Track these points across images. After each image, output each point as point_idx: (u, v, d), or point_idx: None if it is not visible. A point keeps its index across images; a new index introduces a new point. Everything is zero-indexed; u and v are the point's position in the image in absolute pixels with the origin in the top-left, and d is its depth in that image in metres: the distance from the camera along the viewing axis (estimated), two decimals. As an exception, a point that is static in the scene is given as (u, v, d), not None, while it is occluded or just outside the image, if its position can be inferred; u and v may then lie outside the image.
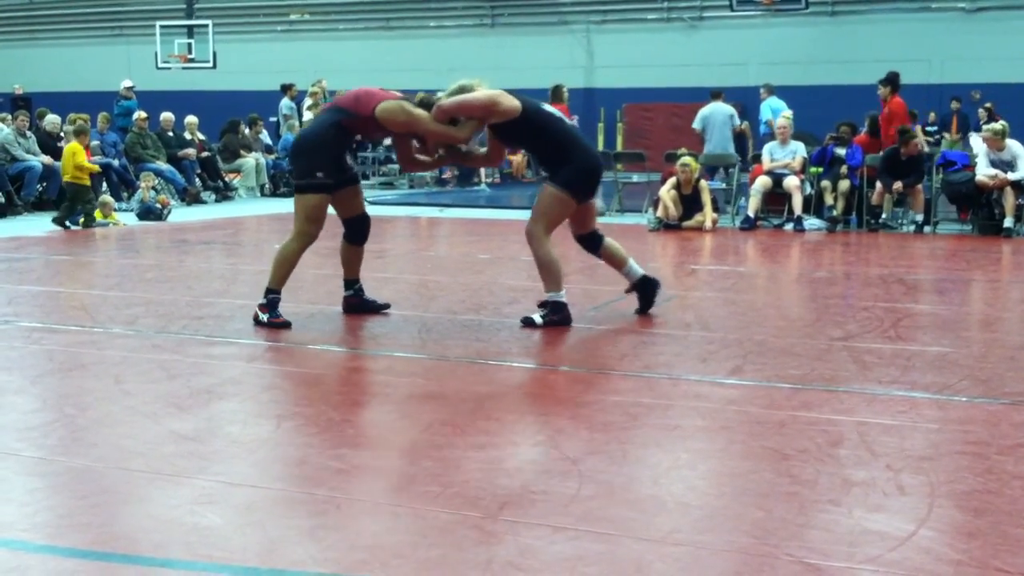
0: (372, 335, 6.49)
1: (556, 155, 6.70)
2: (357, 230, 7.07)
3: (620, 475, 3.90)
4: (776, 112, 16.17)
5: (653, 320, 6.93)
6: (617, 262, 7.11)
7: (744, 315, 7.15)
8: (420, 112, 6.57)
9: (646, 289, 7.08)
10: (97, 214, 13.59)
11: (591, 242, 7.08)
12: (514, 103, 6.59)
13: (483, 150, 7.15)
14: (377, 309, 7.09)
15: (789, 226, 13.29)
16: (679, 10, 25.44)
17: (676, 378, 5.41)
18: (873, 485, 3.74)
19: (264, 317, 6.59)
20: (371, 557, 3.14)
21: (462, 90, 6.65)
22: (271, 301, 6.63)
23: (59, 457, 4.09)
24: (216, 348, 6.05)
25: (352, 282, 7.14)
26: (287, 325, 6.56)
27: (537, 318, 6.66)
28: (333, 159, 6.70)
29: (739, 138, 17.21)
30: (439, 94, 6.71)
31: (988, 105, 20.59)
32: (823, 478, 3.82)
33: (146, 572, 3.05)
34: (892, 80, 14.15)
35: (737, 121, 16.59)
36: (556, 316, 6.65)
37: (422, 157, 7.13)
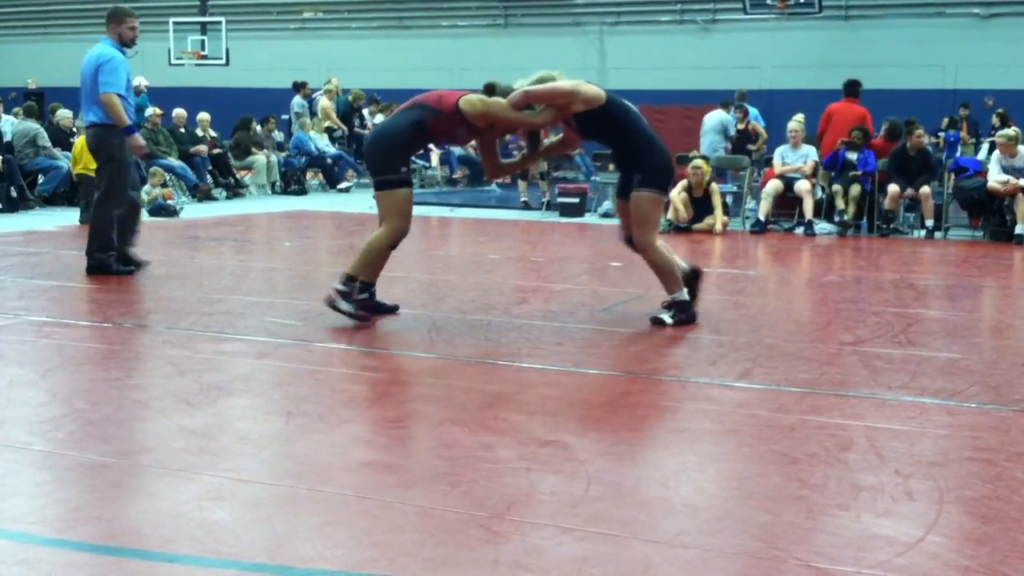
0: (382, 334, 6.49)
1: (635, 152, 6.78)
2: None
3: (628, 477, 3.90)
4: (753, 119, 16.67)
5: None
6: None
7: (754, 318, 7.14)
8: (498, 100, 6.57)
9: (691, 280, 7.15)
10: None
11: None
12: (599, 92, 6.66)
13: (556, 138, 7.27)
14: (390, 311, 7.05)
15: (800, 230, 13.28)
16: (692, 12, 25.41)
17: (685, 380, 5.41)
18: (881, 490, 3.74)
19: (345, 305, 6.51)
20: (379, 555, 3.14)
21: (542, 81, 6.67)
22: (351, 289, 6.55)
23: (69, 451, 4.11)
24: (226, 344, 6.06)
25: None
26: (366, 318, 6.57)
27: (667, 318, 6.76)
28: (407, 154, 6.73)
29: (742, 141, 17.22)
30: (519, 83, 6.74)
31: (1001, 111, 20.53)
32: (831, 482, 3.82)
33: (154, 567, 3.06)
34: (847, 86, 14.87)
35: (732, 131, 16.78)
36: (683, 315, 6.77)
37: (507, 161, 7.22)
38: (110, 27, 8.79)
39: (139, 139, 8.77)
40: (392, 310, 7.07)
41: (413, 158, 8.87)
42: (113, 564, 3.07)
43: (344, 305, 6.54)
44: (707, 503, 3.65)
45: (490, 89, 6.68)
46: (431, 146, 18.49)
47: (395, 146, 6.66)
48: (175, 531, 3.29)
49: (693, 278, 7.12)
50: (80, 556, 3.12)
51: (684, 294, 6.84)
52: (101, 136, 8.67)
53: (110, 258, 8.68)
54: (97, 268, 8.65)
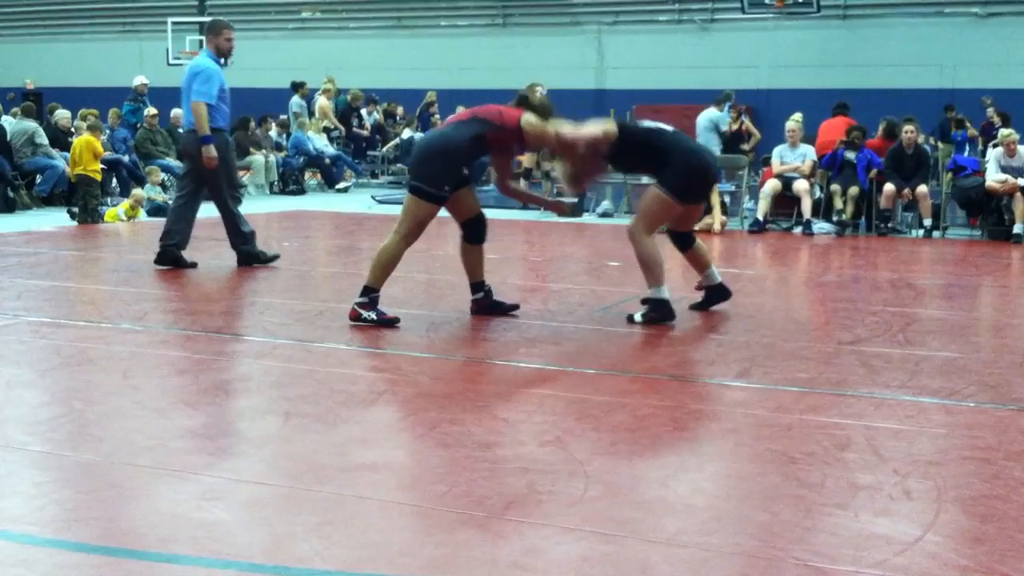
0: (380, 333, 6.49)
1: (658, 162, 6.86)
2: (475, 230, 6.95)
3: (626, 476, 3.90)
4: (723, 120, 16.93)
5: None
6: (701, 265, 7.30)
7: (752, 318, 7.14)
8: (556, 125, 6.64)
9: (716, 295, 7.25)
10: (125, 206, 13.70)
11: (683, 241, 7.26)
12: (612, 128, 6.77)
13: (567, 200, 7.55)
14: (506, 310, 6.99)
15: (798, 229, 13.28)
16: (691, 12, 25.41)
17: (683, 380, 5.41)
18: (880, 489, 3.74)
19: (370, 316, 6.52)
20: (377, 554, 3.14)
21: (531, 89, 6.79)
22: (372, 299, 6.58)
23: (67, 451, 4.10)
24: (224, 344, 6.06)
25: (479, 285, 7.04)
26: (395, 321, 6.54)
27: (637, 316, 6.76)
28: (460, 170, 6.70)
29: (736, 141, 17.24)
30: (538, 90, 6.83)
31: (999, 114, 20.52)
32: (830, 482, 3.82)
33: (152, 567, 3.06)
34: (836, 108, 15.65)
35: (723, 127, 16.79)
36: (655, 313, 6.77)
37: (515, 186, 7.41)
38: (208, 39, 9.41)
39: (212, 150, 9.01)
40: (512, 309, 7.02)
41: None
42: (111, 564, 3.07)
43: (367, 315, 6.55)
44: (705, 502, 3.65)
45: (523, 99, 6.73)
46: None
47: (451, 161, 6.58)
48: (173, 531, 3.29)
49: (719, 293, 7.20)
50: (78, 556, 3.11)
51: (663, 292, 6.80)
52: (194, 142, 9.12)
53: (253, 246, 9.22)
54: (249, 258, 9.19)
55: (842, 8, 24.19)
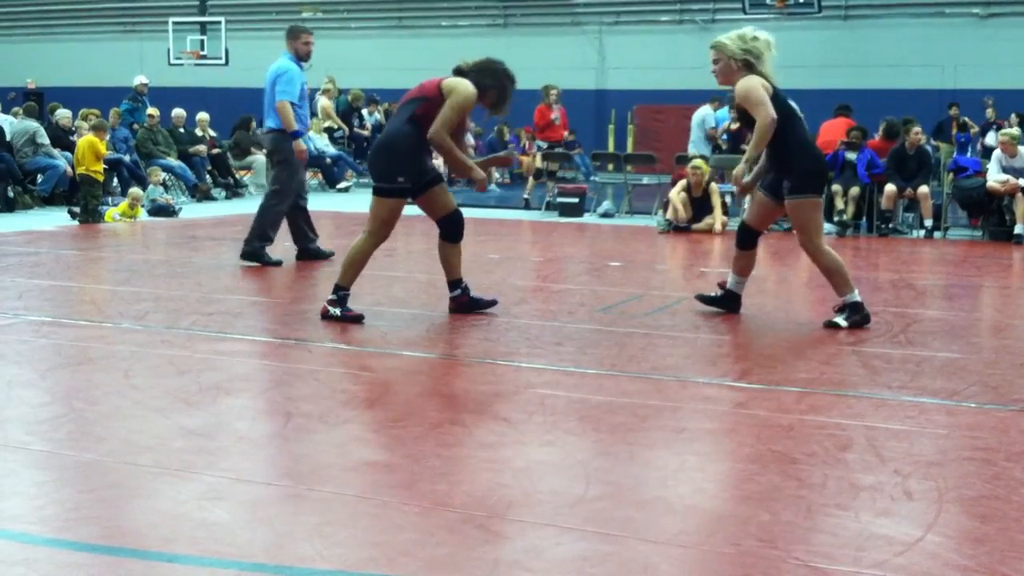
0: (381, 333, 6.49)
1: (786, 157, 6.75)
2: (452, 228, 7.00)
3: (627, 476, 3.90)
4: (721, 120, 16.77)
5: (662, 322, 6.93)
6: (743, 270, 7.22)
7: (753, 318, 7.14)
8: (461, 82, 6.68)
9: (729, 301, 7.22)
10: (123, 207, 13.70)
11: (751, 240, 7.17)
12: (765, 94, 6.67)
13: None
14: (485, 306, 7.05)
15: (799, 230, 13.27)
16: (692, 12, 25.43)
17: (684, 380, 5.41)
18: (881, 490, 3.74)
19: (336, 311, 6.66)
20: (378, 554, 3.14)
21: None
22: (341, 298, 6.70)
23: (67, 451, 4.10)
24: (225, 344, 6.06)
25: (456, 282, 7.09)
26: (360, 319, 6.66)
27: (841, 321, 6.75)
28: (410, 157, 6.69)
29: (736, 141, 17.21)
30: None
31: (993, 115, 20.59)
32: (830, 482, 3.82)
33: (153, 567, 3.06)
34: (838, 109, 15.69)
35: (712, 123, 16.70)
36: (857, 316, 6.77)
37: (461, 156, 7.14)
38: (288, 42, 9.72)
39: (302, 144, 9.48)
40: (490, 305, 7.07)
41: None
42: (112, 564, 3.07)
43: (333, 310, 6.68)
44: (706, 503, 3.65)
45: (457, 70, 6.75)
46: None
47: (394, 151, 6.69)
48: (174, 531, 3.29)
49: (731, 302, 7.18)
50: (79, 556, 3.12)
51: (855, 295, 6.83)
52: (278, 140, 9.53)
53: (263, 248, 9.46)
54: (251, 256, 9.45)
55: (843, 9, 24.21)
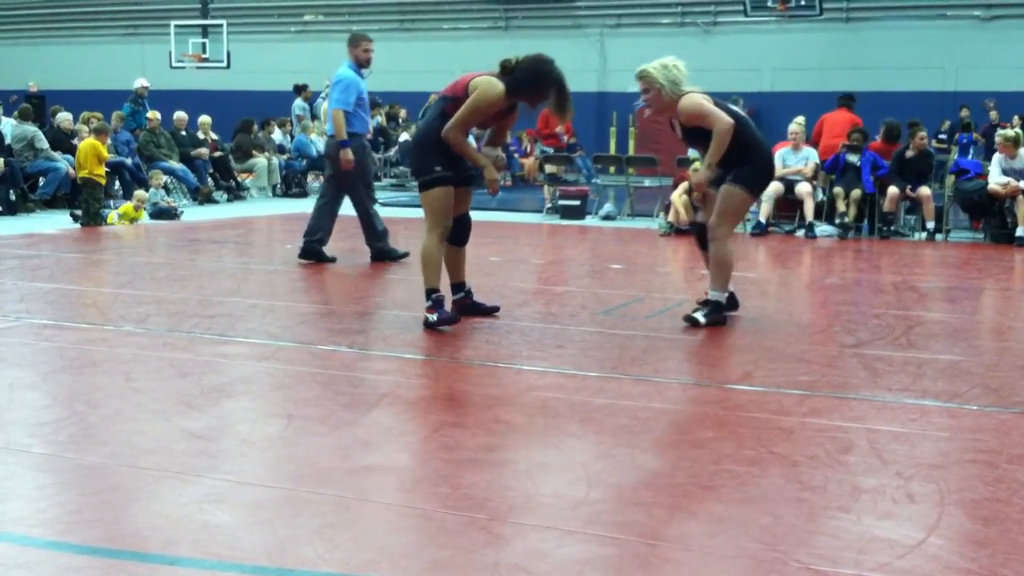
0: (382, 336, 6.49)
1: (741, 154, 6.78)
2: (458, 231, 6.90)
3: (629, 479, 3.90)
4: None
5: (663, 325, 6.93)
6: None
7: (755, 321, 7.14)
8: (491, 81, 6.63)
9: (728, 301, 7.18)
10: (128, 207, 13.71)
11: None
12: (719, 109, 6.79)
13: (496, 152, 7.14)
14: (487, 312, 7.01)
15: (800, 232, 13.27)
16: (693, 15, 25.42)
17: (685, 383, 5.41)
18: (882, 492, 3.73)
19: (433, 318, 6.53)
20: (380, 557, 3.14)
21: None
22: (436, 300, 6.57)
23: (69, 454, 4.11)
24: (227, 347, 6.06)
25: (459, 286, 7.03)
26: (456, 320, 6.60)
27: (700, 317, 6.75)
28: (443, 153, 6.61)
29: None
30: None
31: (996, 119, 20.58)
32: (832, 485, 3.82)
33: (154, 570, 3.06)
34: (842, 98, 15.40)
35: None
36: (716, 315, 6.80)
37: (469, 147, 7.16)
38: (349, 50, 9.96)
39: (349, 153, 9.60)
40: (493, 311, 7.02)
41: None
42: (114, 567, 3.07)
43: (431, 318, 6.55)
44: (707, 505, 3.65)
45: (503, 67, 6.60)
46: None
47: (425, 145, 6.68)
48: (176, 534, 3.29)
49: (728, 303, 7.16)
50: (80, 559, 3.12)
51: (723, 296, 6.86)
52: (335, 146, 9.75)
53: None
54: (380, 255, 9.85)
55: (844, 11, 24.20)
